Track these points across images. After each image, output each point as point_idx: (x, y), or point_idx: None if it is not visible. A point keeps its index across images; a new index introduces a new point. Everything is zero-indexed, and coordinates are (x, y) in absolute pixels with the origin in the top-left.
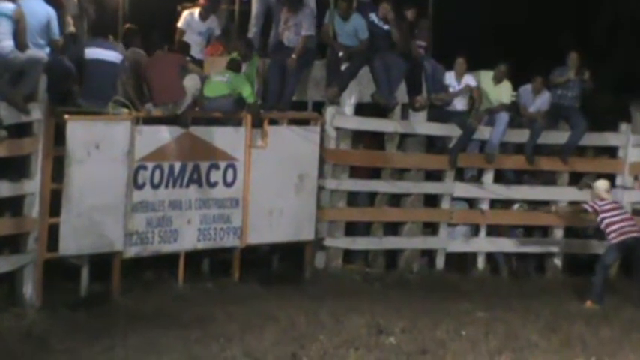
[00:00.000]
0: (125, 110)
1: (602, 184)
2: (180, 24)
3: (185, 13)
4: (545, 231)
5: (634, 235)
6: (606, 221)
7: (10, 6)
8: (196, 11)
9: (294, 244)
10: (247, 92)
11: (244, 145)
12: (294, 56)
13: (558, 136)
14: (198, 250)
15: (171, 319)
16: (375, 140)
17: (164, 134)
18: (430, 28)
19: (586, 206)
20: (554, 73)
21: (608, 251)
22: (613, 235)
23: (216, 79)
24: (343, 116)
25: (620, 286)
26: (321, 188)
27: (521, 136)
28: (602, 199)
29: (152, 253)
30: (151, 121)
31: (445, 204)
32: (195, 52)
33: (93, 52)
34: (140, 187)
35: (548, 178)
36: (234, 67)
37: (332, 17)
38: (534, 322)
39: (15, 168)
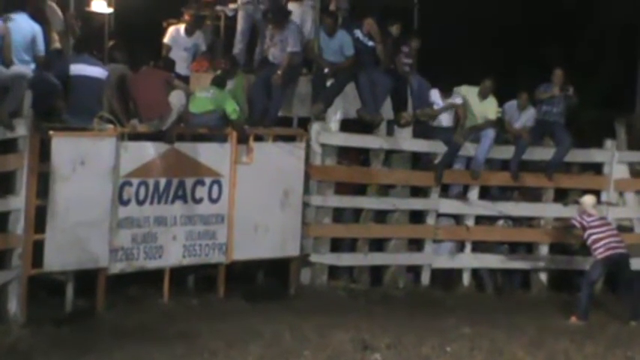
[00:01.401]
0: (110, 126)
1: (588, 200)
2: (166, 40)
3: (171, 29)
4: (530, 247)
5: (620, 251)
6: (593, 237)
7: None
8: (182, 27)
9: (280, 260)
10: (231, 109)
11: (230, 161)
12: (279, 72)
13: (543, 153)
14: (183, 266)
15: (156, 335)
16: (360, 156)
17: (149, 150)
18: (417, 45)
19: (574, 221)
20: (539, 89)
21: (594, 267)
22: (599, 250)
23: (200, 95)
24: (328, 132)
25: (605, 302)
26: (306, 204)
27: (507, 152)
28: (589, 215)
29: (137, 269)
30: (136, 137)
31: (430, 220)
32: (181, 68)
33: (78, 68)
34: (125, 203)
35: (534, 195)
36: (218, 83)
37: (317, 33)
38: (519, 338)
39: None
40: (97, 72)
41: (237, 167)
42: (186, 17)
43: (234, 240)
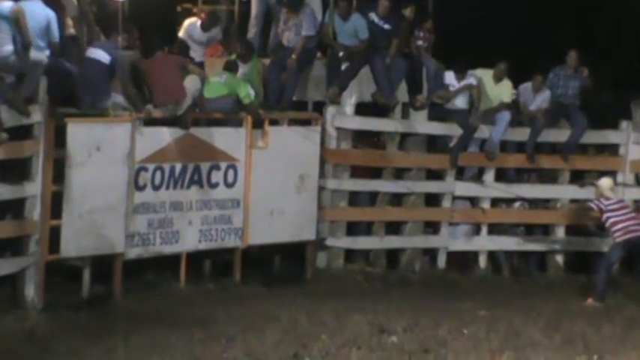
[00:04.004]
0: (125, 112)
1: (605, 183)
2: (181, 34)
3: (186, 24)
4: (546, 229)
5: (639, 234)
6: (611, 220)
7: (7, 5)
8: (198, 22)
9: (296, 244)
10: (243, 93)
11: (245, 145)
12: (294, 56)
13: (559, 134)
14: (199, 251)
15: (173, 320)
16: (375, 140)
17: (165, 135)
18: (432, 27)
19: (591, 204)
20: (553, 70)
21: (612, 250)
22: (618, 233)
23: (214, 80)
24: (344, 116)
25: (622, 284)
26: (322, 188)
27: (522, 134)
28: (607, 198)
29: (153, 254)
30: (151, 122)
31: (446, 203)
32: (195, 56)
33: None
34: (141, 189)
35: (550, 176)
36: (231, 67)
37: (332, 17)
38: (536, 321)
39: (16, 170)
40: (98, 54)
41: (252, 152)
42: (202, 15)
43: (250, 224)
